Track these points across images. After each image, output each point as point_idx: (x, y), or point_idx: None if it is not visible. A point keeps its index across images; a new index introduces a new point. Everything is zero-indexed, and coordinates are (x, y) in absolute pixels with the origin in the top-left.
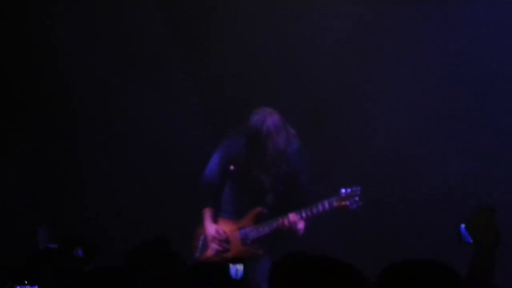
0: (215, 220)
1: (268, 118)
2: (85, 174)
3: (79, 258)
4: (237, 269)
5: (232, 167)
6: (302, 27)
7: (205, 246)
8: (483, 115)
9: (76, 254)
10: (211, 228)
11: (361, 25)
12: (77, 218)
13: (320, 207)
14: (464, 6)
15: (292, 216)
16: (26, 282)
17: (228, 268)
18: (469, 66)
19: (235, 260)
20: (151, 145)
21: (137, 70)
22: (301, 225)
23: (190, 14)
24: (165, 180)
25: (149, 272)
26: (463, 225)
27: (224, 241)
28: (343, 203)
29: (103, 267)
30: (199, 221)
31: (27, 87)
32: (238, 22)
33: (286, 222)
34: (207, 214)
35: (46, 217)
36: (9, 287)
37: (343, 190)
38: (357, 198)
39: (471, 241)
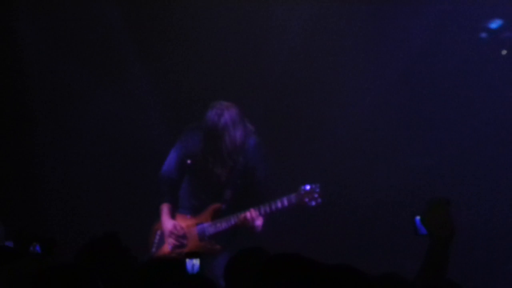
0: (172, 215)
1: (225, 112)
2: (40, 170)
3: (37, 254)
4: (193, 264)
5: (189, 162)
6: (261, 23)
7: (162, 241)
8: (442, 112)
9: (33, 250)
10: (168, 223)
11: (321, 22)
12: (32, 215)
13: (279, 204)
14: (426, 5)
15: (251, 213)
16: None
17: (184, 263)
18: (430, 63)
19: (192, 255)
20: (108, 141)
21: (95, 66)
22: (259, 221)
23: (149, 9)
24: (122, 175)
25: (99, 268)
26: (418, 217)
27: (181, 236)
28: (303, 200)
29: (54, 266)
30: (156, 217)
31: None
32: (198, 17)
33: (244, 218)
34: (165, 209)
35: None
36: None
37: (302, 187)
38: (316, 195)
39: (426, 233)
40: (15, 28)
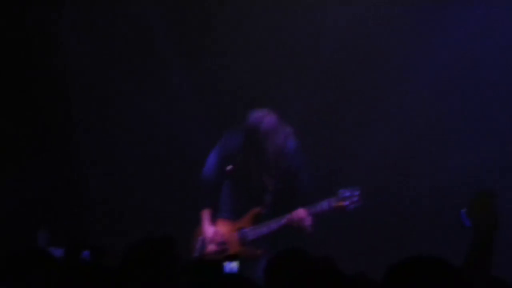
0: (213, 221)
1: (265, 118)
2: (85, 175)
3: (87, 261)
4: (231, 267)
5: (230, 167)
6: (300, 27)
7: (204, 247)
8: (482, 111)
9: (83, 257)
10: (209, 229)
11: (359, 26)
12: (78, 220)
13: (319, 207)
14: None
15: (301, 212)
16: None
17: (222, 266)
18: (468, 63)
19: (230, 258)
20: (150, 145)
21: (136, 69)
22: (309, 221)
23: (190, 12)
24: (164, 181)
25: (149, 271)
26: (463, 210)
27: (222, 242)
28: (342, 203)
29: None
30: (198, 222)
31: (25, 85)
32: (237, 22)
33: (296, 217)
34: (205, 215)
35: (46, 220)
36: None
37: (342, 191)
38: (355, 199)
39: (471, 225)
40: (57, 33)
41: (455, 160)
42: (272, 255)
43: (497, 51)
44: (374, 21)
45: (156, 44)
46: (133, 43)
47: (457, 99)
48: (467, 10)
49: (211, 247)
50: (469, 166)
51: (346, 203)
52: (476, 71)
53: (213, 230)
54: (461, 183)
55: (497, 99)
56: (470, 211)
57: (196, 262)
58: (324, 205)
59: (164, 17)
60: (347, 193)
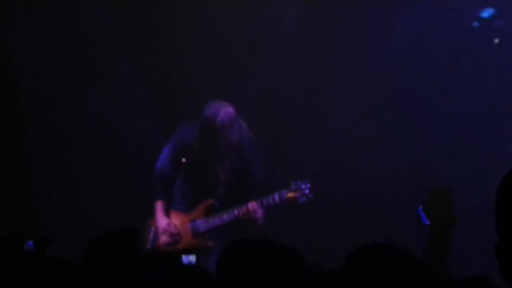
0: (166, 212)
1: (222, 111)
2: (34, 169)
3: (31, 250)
4: (189, 260)
5: (184, 160)
6: (254, 20)
7: (156, 238)
8: (436, 101)
9: (27, 247)
10: (162, 220)
11: (308, 24)
12: (27, 214)
13: (271, 200)
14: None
15: (252, 205)
16: None
17: (180, 259)
18: (423, 53)
19: (188, 251)
20: (101, 139)
21: (84, 65)
22: (260, 213)
23: (138, 7)
24: (115, 173)
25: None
26: (421, 207)
27: (175, 234)
28: (294, 195)
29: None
30: (151, 213)
31: None
32: (189, 13)
33: (247, 210)
34: (159, 206)
35: None
36: None
37: (293, 183)
38: (307, 191)
39: (428, 223)
40: (3, 29)
41: (404, 153)
42: (224, 247)
43: (448, 40)
44: (324, 18)
45: (104, 40)
46: (81, 39)
47: (409, 87)
48: (410, 9)
49: (164, 238)
50: (418, 158)
51: (298, 195)
52: (427, 59)
53: (166, 221)
54: (410, 175)
55: (451, 88)
56: (426, 208)
57: (153, 254)
58: (275, 197)
59: (112, 13)
60: (299, 185)
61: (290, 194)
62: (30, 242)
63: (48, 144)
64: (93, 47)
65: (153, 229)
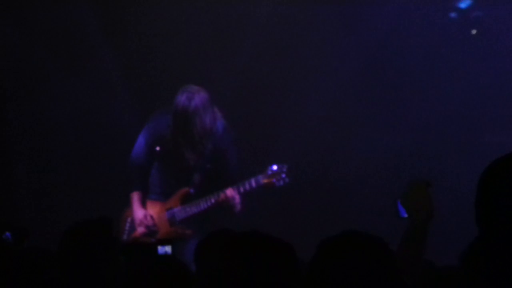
0: (143, 203)
1: (196, 96)
2: (11, 159)
3: (8, 241)
4: (165, 250)
5: (158, 148)
6: (229, 10)
7: (133, 229)
8: (412, 91)
9: (5, 238)
10: (139, 212)
11: (286, 14)
12: (4, 205)
13: (248, 185)
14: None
15: (229, 191)
16: None
17: (156, 249)
18: (400, 42)
19: (163, 242)
20: (79, 128)
21: (63, 54)
22: (238, 199)
23: None
24: (92, 162)
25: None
26: (399, 200)
27: (152, 226)
28: (270, 180)
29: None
30: (127, 204)
31: None
32: (166, 4)
33: (225, 196)
34: (135, 197)
35: None
36: None
37: (269, 167)
38: (283, 175)
39: (406, 215)
40: None
41: (383, 144)
42: (202, 237)
43: (426, 31)
44: (290, 19)
45: (82, 26)
46: (59, 26)
47: (386, 76)
48: (378, 9)
49: (140, 229)
50: (395, 148)
51: (275, 179)
52: (404, 48)
53: (142, 212)
54: (389, 166)
55: (426, 78)
56: (404, 201)
57: (128, 245)
58: (252, 182)
59: (90, 2)
60: (275, 169)
61: (266, 179)
62: (8, 234)
63: (25, 132)
64: (71, 35)
65: (129, 219)
